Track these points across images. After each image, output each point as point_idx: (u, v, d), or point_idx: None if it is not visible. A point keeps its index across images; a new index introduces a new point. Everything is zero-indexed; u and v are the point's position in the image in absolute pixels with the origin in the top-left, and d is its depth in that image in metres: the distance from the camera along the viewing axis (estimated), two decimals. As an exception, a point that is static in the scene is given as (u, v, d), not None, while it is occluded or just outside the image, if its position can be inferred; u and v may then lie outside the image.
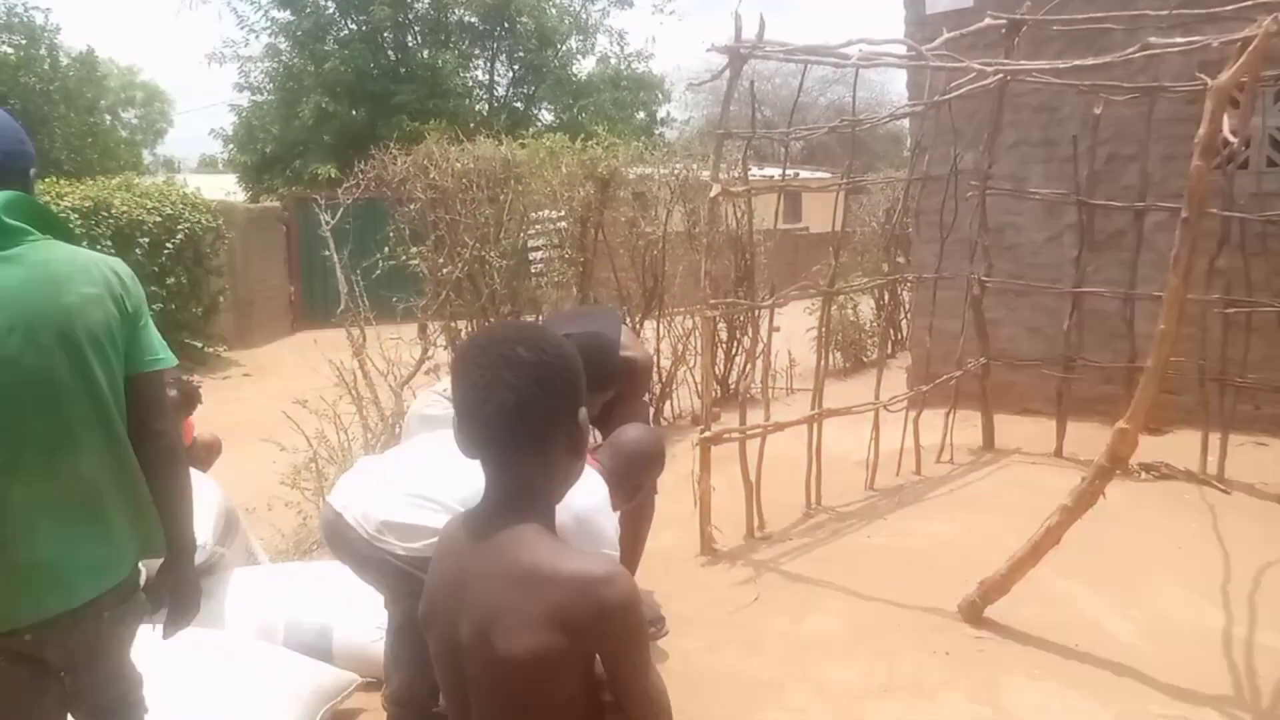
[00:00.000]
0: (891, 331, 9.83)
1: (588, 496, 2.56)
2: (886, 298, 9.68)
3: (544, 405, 1.33)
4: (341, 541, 2.57)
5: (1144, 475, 5.42)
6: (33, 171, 1.83)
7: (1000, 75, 5.02)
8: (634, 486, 2.96)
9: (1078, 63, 4.48)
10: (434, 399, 3.40)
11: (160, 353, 1.87)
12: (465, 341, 1.61)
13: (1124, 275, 5.76)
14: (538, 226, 6.81)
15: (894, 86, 26.43)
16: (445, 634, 1.35)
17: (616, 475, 2.84)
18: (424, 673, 2.68)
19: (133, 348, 1.82)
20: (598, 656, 1.30)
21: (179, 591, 1.97)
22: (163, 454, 1.87)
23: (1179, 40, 3.91)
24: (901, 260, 8.54)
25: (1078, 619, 3.74)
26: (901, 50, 5.33)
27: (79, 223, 9.31)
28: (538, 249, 6.92)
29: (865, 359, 9.29)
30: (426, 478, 2.55)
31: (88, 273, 1.76)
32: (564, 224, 6.70)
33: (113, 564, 1.81)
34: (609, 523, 2.66)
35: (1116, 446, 3.42)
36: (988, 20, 5.46)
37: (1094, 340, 6.13)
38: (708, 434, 4.56)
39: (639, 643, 1.31)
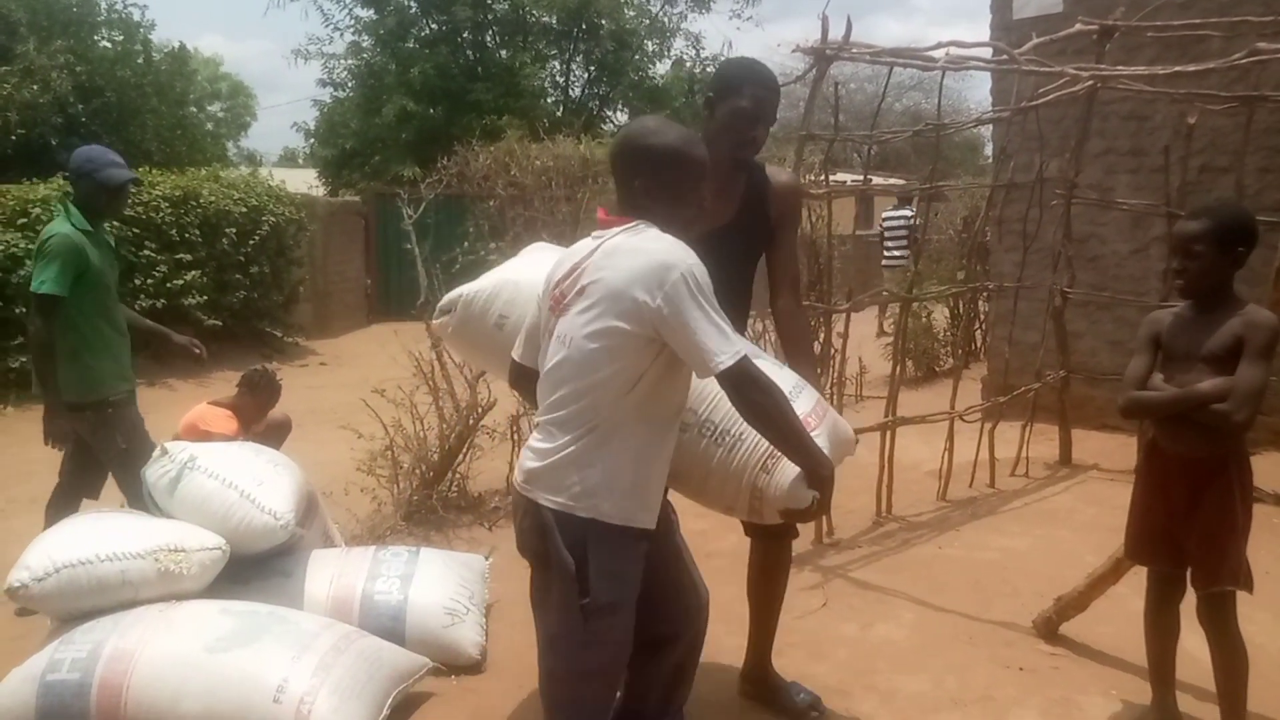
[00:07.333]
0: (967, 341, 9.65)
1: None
2: (962, 307, 9.51)
3: None
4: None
5: (1230, 497, 5.24)
6: None
7: (1093, 82, 4.90)
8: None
9: (1177, 69, 4.35)
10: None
11: None
12: None
13: (1214, 290, 5.58)
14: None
15: (972, 94, 26.09)
16: None
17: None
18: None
19: None
20: None
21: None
22: None
23: (1287, 47, 3.77)
24: (979, 269, 8.39)
25: (1158, 641, 3.63)
26: (989, 54, 5.25)
27: (169, 211, 9.63)
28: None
29: (937, 368, 9.14)
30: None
31: None
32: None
33: None
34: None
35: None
36: (1078, 26, 5.33)
37: (1179, 356, 5.95)
38: (779, 437, 4.54)
39: None
